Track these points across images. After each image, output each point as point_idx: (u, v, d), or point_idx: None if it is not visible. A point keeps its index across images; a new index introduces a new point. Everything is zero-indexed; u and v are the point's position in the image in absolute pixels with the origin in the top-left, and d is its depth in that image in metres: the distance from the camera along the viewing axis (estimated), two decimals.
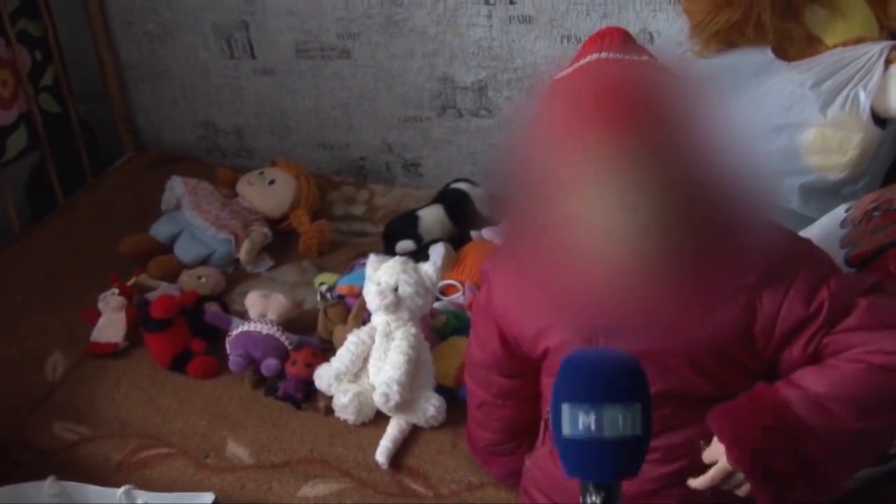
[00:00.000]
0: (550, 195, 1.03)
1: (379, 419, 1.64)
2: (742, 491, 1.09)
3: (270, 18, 2.47)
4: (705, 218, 1.03)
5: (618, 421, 0.76)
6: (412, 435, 1.61)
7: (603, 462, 0.77)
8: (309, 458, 1.60)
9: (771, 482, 1.05)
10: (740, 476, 1.08)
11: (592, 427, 0.76)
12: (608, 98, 0.99)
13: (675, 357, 1.10)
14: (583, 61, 1.04)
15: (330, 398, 1.66)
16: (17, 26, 2.31)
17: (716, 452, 1.09)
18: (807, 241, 1.16)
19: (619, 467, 0.78)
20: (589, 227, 1.02)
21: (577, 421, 0.76)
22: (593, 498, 0.78)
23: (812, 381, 1.07)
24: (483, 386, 1.37)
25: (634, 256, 1.01)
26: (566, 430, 0.77)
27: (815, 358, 1.10)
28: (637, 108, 0.98)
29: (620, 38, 1.04)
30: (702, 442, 1.13)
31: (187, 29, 2.56)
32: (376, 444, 1.57)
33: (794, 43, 1.64)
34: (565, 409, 0.77)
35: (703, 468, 1.13)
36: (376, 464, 1.56)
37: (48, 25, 2.41)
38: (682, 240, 1.01)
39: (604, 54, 1.02)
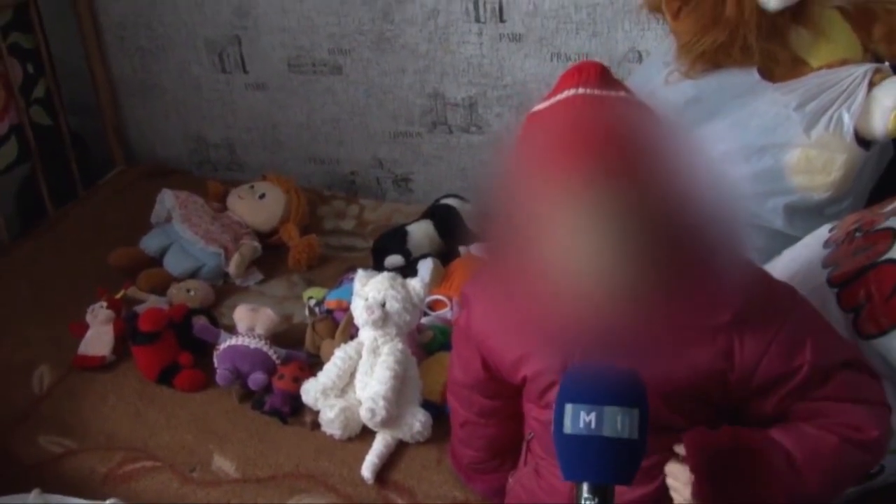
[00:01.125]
0: (526, 227, 1.03)
1: (365, 434, 1.64)
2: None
3: (263, 34, 2.48)
4: (679, 254, 1.01)
5: (617, 422, 0.78)
6: (398, 450, 1.62)
7: (600, 461, 0.79)
8: (295, 472, 1.59)
9: None
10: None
11: (593, 424, 0.79)
12: (582, 136, 0.98)
13: (648, 392, 1.10)
14: (559, 96, 1.03)
15: (316, 413, 1.66)
16: (9, 39, 2.32)
17: (680, 476, 1.06)
18: (790, 290, 1.14)
19: (615, 468, 0.80)
20: (562, 261, 1.01)
21: (579, 418, 0.79)
22: (589, 500, 0.80)
23: (792, 445, 1.07)
24: (465, 405, 1.37)
25: (607, 291, 1.00)
26: (567, 426, 0.80)
27: (782, 413, 1.10)
28: (610, 146, 0.97)
29: (597, 73, 1.02)
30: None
31: (180, 43, 2.57)
32: (362, 460, 1.58)
33: (780, 64, 1.65)
34: (568, 407, 0.80)
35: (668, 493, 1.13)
36: (362, 479, 1.56)
37: (40, 38, 2.42)
38: (654, 275, 1.00)
39: (580, 90, 1.01)
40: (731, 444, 1.07)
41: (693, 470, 1.04)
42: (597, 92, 1.01)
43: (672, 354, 1.08)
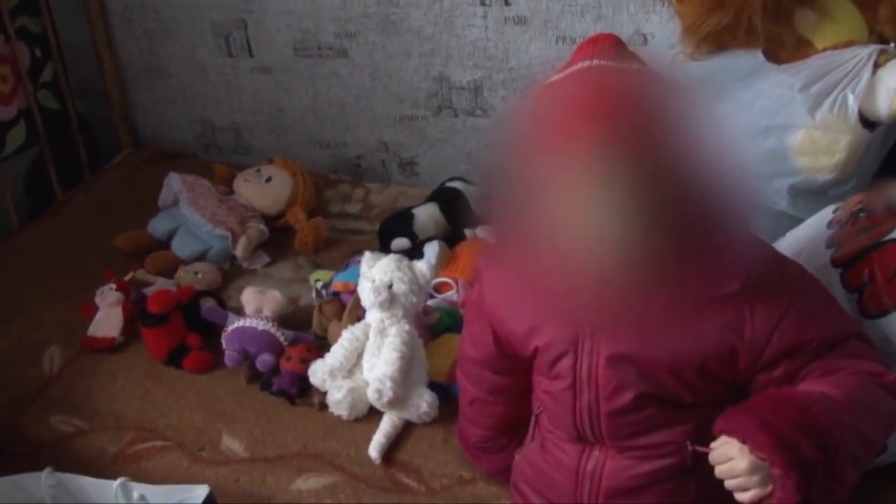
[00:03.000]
0: (536, 198, 1.05)
1: (372, 415, 1.65)
2: (750, 496, 1.04)
3: (268, 17, 2.48)
4: (688, 224, 1.03)
5: None
6: (405, 430, 1.63)
7: None
8: (302, 452, 1.61)
9: (797, 470, 1.01)
10: (757, 477, 1.03)
11: None
12: (594, 103, 1.00)
13: (656, 364, 1.11)
14: (573, 67, 1.05)
15: (324, 394, 1.67)
16: (16, 23, 2.32)
17: (728, 451, 1.05)
18: (798, 268, 1.16)
19: None
20: (573, 231, 1.03)
21: None
22: None
23: (826, 386, 1.08)
24: (475, 382, 1.39)
25: (616, 259, 1.02)
26: None
27: (791, 378, 1.12)
28: (622, 117, 0.98)
29: (612, 45, 1.05)
30: (688, 442, 1.14)
31: (186, 27, 2.58)
32: (369, 440, 1.59)
33: (785, 46, 1.65)
34: None
35: (685, 468, 1.15)
36: (369, 459, 1.57)
37: (48, 22, 2.43)
38: (664, 245, 1.02)
39: (595, 61, 1.03)
40: (767, 403, 1.07)
41: (742, 432, 1.04)
42: (611, 64, 1.03)
43: (680, 326, 1.09)
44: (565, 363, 1.17)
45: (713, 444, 1.08)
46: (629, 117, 0.99)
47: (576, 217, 1.02)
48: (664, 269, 1.03)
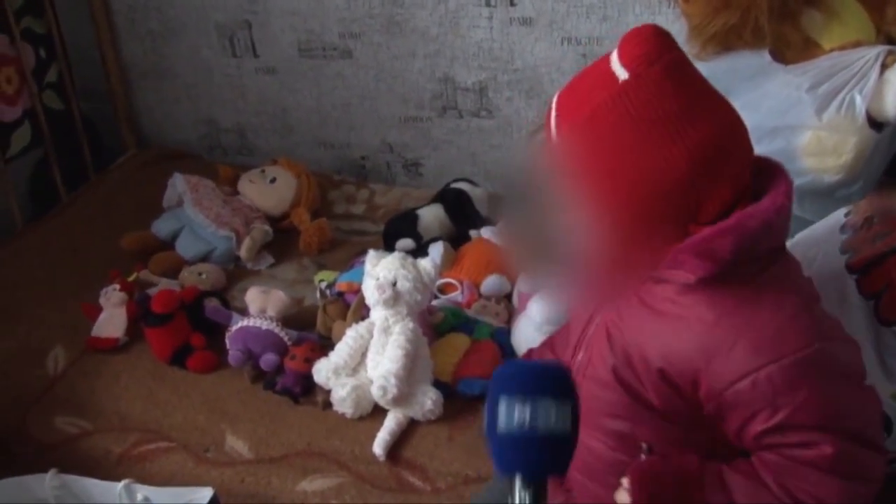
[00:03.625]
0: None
1: (376, 413, 1.65)
2: None
3: (273, 18, 2.48)
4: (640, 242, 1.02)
5: (551, 414, 0.79)
6: (409, 428, 1.63)
7: (535, 456, 0.80)
8: (307, 451, 1.61)
9: None
10: None
11: (527, 419, 0.79)
12: (562, 107, 1.03)
13: (636, 349, 1.08)
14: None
15: (328, 392, 1.67)
16: (21, 24, 2.33)
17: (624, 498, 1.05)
18: (822, 335, 1.01)
19: (549, 461, 0.80)
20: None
21: (513, 413, 0.80)
22: (522, 495, 0.80)
23: (740, 491, 1.02)
24: None
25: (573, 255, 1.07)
26: (502, 424, 0.80)
27: (751, 446, 1.04)
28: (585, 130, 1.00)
29: (640, 42, 1.00)
30: (644, 445, 1.09)
31: (190, 27, 2.58)
32: (373, 438, 1.59)
33: (791, 46, 1.64)
34: (503, 400, 0.81)
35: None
36: (374, 457, 1.57)
37: (52, 23, 2.43)
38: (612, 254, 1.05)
39: (613, 58, 1.01)
40: (673, 486, 1.03)
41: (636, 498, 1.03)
42: (618, 67, 1.00)
43: (658, 325, 1.05)
44: (578, 327, 1.19)
45: (616, 497, 1.07)
46: (591, 129, 1.00)
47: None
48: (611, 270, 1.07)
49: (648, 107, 0.97)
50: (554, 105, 1.05)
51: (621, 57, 0.99)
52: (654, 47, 0.99)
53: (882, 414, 1.10)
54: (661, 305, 1.05)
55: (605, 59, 1.02)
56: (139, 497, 1.46)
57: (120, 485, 1.46)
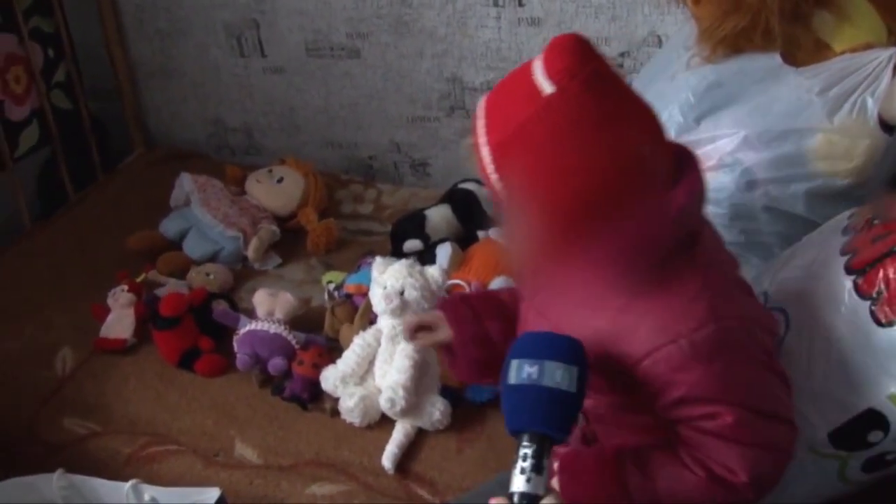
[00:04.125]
0: None
1: (384, 421, 1.65)
2: None
3: (281, 17, 2.48)
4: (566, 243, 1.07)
5: (556, 374, 0.89)
6: (417, 440, 1.62)
7: (539, 408, 0.87)
8: (315, 460, 1.61)
9: None
10: None
11: (535, 375, 0.89)
12: (490, 117, 1.06)
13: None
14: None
15: (336, 399, 1.67)
16: (30, 23, 2.33)
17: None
18: (728, 314, 1.08)
19: (553, 417, 0.88)
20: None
21: (523, 370, 0.89)
22: (526, 449, 0.86)
23: (658, 473, 1.09)
24: None
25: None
26: (512, 379, 0.90)
27: (665, 416, 1.11)
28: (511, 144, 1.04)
29: (563, 55, 1.03)
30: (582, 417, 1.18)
31: (198, 27, 2.58)
32: (382, 448, 1.59)
33: (802, 49, 1.63)
34: (514, 363, 0.90)
35: (594, 439, 1.22)
36: (383, 469, 1.57)
37: (61, 22, 2.43)
38: (548, 255, 1.09)
39: (537, 68, 1.04)
40: (594, 467, 1.10)
41: (561, 490, 1.09)
42: (542, 78, 1.02)
43: (581, 317, 1.11)
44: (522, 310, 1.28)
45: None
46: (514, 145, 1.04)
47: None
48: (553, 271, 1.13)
49: (575, 119, 1.01)
50: (482, 113, 1.08)
51: (546, 69, 1.02)
52: (577, 59, 1.01)
53: (791, 392, 1.15)
54: (577, 296, 1.13)
55: (529, 68, 1.04)
56: (146, 497, 1.46)
57: (127, 485, 1.46)
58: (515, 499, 0.84)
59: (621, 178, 1.02)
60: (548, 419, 0.88)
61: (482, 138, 1.06)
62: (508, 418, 0.89)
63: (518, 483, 0.84)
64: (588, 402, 1.15)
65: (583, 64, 1.01)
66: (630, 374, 1.09)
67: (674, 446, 1.11)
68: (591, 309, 1.11)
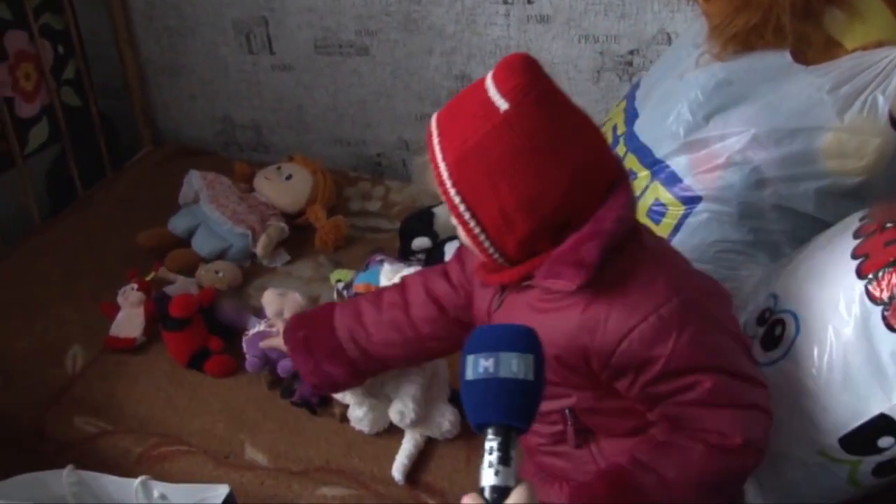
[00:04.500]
0: None
1: (393, 428, 1.64)
2: None
3: (289, 14, 2.48)
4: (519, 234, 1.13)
5: (512, 364, 0.89)
6: (427, 450, 1.62)
7: (499, 400, 0.88)
8: (326, 467, 1.61)
9: None
10: None
11: (491, 368, 0.89)
12: (444, 134, 1.13)
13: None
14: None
15: (345, 406, 1.66)
16: (40, 20, 2.33)
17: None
18: (686, 283, 1.18)
19: (512, 407, 0.88)
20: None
21: (479, 365, 0.90)
22: (491, 442, 0.87)
23: (664, 465, 1.13)
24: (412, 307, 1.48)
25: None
26: (469, 375, 0.90)
27: (648, 401, 1.17)
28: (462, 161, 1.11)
29: (515, 73, 1.09)
30: (566, 411, 1.24)
31: (207, 24, 2.58)
32: (391, 457, 1.58)
33: (813, 46, 1.62)
34: (469, 358, 0.91)
35: (568, 437, 1.27)
36: (392, 478, 1.57)
37: (70, 19, 2.43)
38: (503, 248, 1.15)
39: (489, 86, 1.10)
40: (606, 491, 1.13)
41: None
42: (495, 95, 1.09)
43: (549, 325, 1.15)
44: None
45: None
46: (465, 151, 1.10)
47: None
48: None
49: (531, 134, 1.08)
50: (434, 130, 1.14)
51: (499, 87, 1.09)
52: (528, 77, 1.09)
53: (753, 357, 1.23)
54: (541, 305, 1.18)
55: (480, 87, 1.11)
56: (155, 493, 1.46)
57: (136, 481, 1.46)
58: (486, 493, 0.84)
59: (574, 189, 1.10)
60: (509, 410, 0.88)
61: (439, 154, 1.12)
62: (471, 414, 0.90)
63: (487, 477, 0.85)
64: (572, 400, 1.23)
65: (534, 82, 1.09)
66: (600, 368, 1.16)
67: (668, 434, 1.16)
68: (556, 313, 1.17)
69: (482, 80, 1.12)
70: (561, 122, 1.11)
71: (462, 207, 1.13)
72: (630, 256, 1.16)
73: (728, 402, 1.14)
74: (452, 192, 1.12)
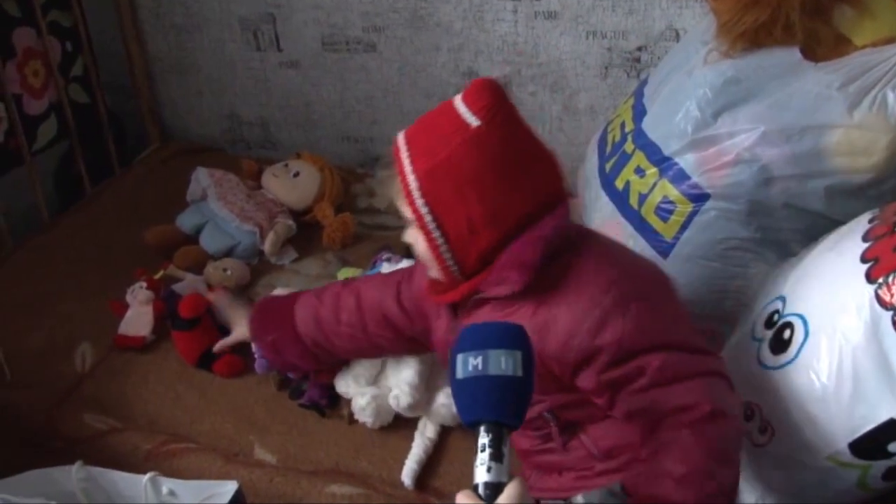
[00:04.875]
0: None
1: (401, 429, 1.65)
2: None
3: (297, 11, 2.48)
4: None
5: (501, 361, 0.90)
6: (436, 455, 1.62)
7: (490, 397, 0.90)
8: (335, 469, 1.61)
9: None
10: None
11: (479, 367, 0.91)
12: (414, 148, 1.20)
13: None
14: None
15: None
16: (48, 17, 2.34)
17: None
18: (629, 271, 1.25)
19: (504, 404, 0.90)
20: None
21: (468, 363, 0.91)
22: (483, 439, 0.88)
23: (669, 467, 1.14)
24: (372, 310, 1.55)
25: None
26: (459, 373, 0.92)
27: (608, 394, 1.20)
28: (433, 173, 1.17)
29: (485, 94, 1.18)
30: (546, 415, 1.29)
31: (214, 21, 2.58)
32: (401, 459, 1.59)
33: (822, 43, 1.61)
34: (459, 357, 0.93)
35: (554, 437, 1.31)
36: (401, 482, 1.57)
37: (78, 17, 2.44)
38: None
39: (458, 105, 1.18)
40: None
41: None
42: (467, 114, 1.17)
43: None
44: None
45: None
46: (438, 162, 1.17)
47: None
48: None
49: (501, 149, 1.16)
50: (403, 144, 1.21)
51: (469, 106, 1.17)
52: (495, 99, 1.17)
53: (698, 330, 1.28)
54: (493, 316, 1.23)
55: (450, 106, 1.20)
56: (164, 489, 1.47)
57: (145, 477, 1.47)
58: (480, 489, 0.86)
59: (535, 200, 1.18)
60: (500, 407, 0.90)
61: (408, 167, 1.18)
62: (462, 412, 0.91)
63: (480, 474, 0.86)
64: (547, 404, 1.28)
65: (501, 103, 1.18)
66: (560, 370, 1.21)
67: (650, 443, 1.18)
68: (512, 319, 1.21)
69: (450, 101, 1.20)
70: (525, 140, 1.20)
71: (428, 218, 1.18)
72: (571, 261, 1.23)
73: (681, 375, 1.17)
74: (420, 202, 1.17)
